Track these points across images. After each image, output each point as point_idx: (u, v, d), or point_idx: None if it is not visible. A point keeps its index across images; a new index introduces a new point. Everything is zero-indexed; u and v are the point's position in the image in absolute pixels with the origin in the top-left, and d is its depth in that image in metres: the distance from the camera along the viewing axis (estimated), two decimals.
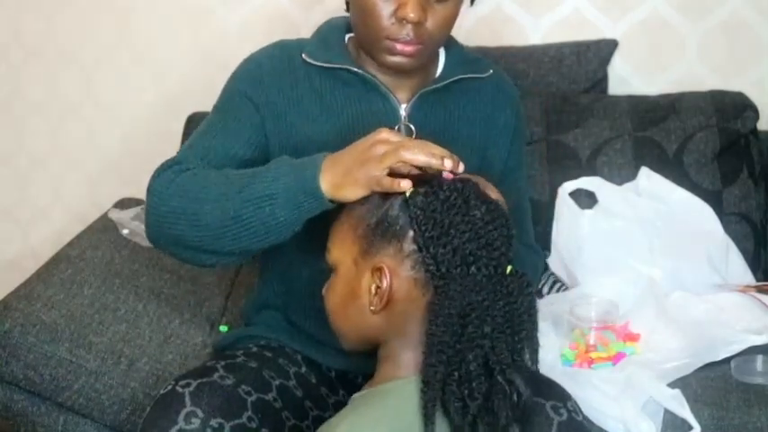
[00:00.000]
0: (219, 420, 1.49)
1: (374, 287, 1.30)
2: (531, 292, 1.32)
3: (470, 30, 2.51)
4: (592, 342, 1.88)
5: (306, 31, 2.54)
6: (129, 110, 2.68)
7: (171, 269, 2.21)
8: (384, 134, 1.39)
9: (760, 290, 2.05)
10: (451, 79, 1.70)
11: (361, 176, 1.35)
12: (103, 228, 2.37)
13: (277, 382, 1.61)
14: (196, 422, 1.48)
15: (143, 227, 2.34)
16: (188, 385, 1.52)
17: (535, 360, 1.32)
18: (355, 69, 1.65)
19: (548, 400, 1.49)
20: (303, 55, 1.67)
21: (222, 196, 1.49)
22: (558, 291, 2.13)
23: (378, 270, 1.29)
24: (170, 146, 2.58)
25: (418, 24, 1.56)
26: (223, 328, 2.09)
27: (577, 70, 2.44)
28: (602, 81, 2.49)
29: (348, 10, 1.67)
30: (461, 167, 1.34)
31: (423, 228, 1.28)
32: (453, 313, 1.25)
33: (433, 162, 1.33)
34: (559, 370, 1.82)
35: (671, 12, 2.51)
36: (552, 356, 1.86)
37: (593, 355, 1.86)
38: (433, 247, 1.28)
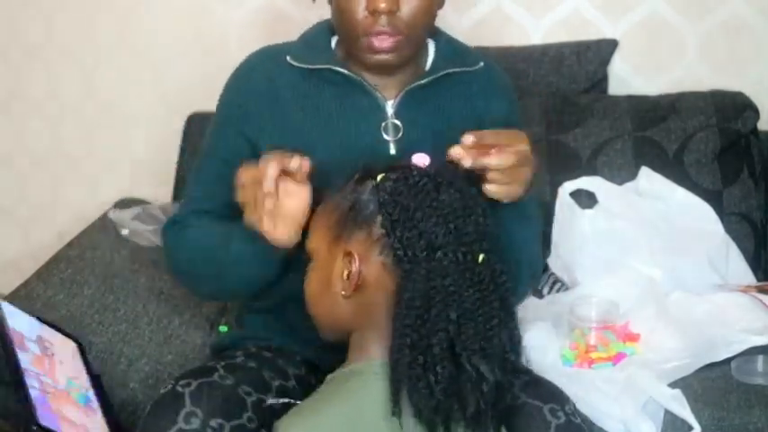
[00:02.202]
0: (219, 421, 1.49)
1: (345, 273, 1.33)
2: (505, 281, 1.33)
3: (470, 30, 2.50)
4: (592, 342, 1.88)
5: None
6: (129, 110, 2.68)
7: None
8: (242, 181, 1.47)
9: (760, 290, 2.05)
10: (439, 74, 1.67)
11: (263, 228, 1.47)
12: (103, 228, 2.37)
13: (276, 383, 1.61)
14: (196, 422, 1.48)
15: (143, 227, 2.36)
16: (188, 385, 1.51)
17: (517, 353, 1.33)
18: (338, 69, 1.64)
19: (545, 402, 1.49)
20: (288, 58, 1.67)
21: (208, 262, 1.63)
22: (558, 291, 2.13)
23: (348, 255, 1.33)
24: (170, 146, 2.59)
25: (391, 14, 1.55)
26: (223, 329, 2.08)
27: (577, 70, 2.44)
28: (602, 81, 2.49)
29: None
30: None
31: (389, 211, 1.31)
32: (416, 296, 1.27)
33: (286, 163, 1.44)
34: (560, 370, 1.82)
35: (671, 12, 2.50)
36: (552, 357, 1.86)
37: (594, 355, 1.85)
38: (400, 230, 1.30)
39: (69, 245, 2.30)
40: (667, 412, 1.76)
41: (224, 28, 2.62)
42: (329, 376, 1.37)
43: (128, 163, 2.70)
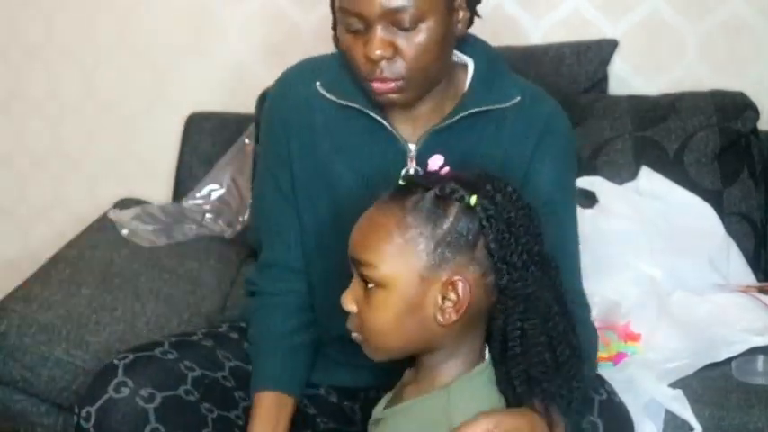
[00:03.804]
0: (150, 390, 1.53)
1: (440, 298, 1.30)
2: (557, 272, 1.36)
3: (470, 30, 2.50)
4: None
5: (306, 31, 2.56)
6: (129, 110, 2.68)
7: (170, 269, 2.21)
8: None
9: (761, 290, 2.05)
10: (465, 113, 1.54)
11: None
12: (103, 228, 2.37)
13: (232, 364, 1.63)
14: (126, 391, 1.52)
15: (143, 227, 2.36)
16: (125, 358, 1.56)
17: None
18: (362, 108, 1.56)
19: None
20: (318, 85, 1.59)
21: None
22: None
23: (451, 283, 1.29)
24: (170, 146, 2.59)
25: (389, 60, 1.46)
26: None
27: (577, 70, 2.44)
28: (602, 81, 2.48)
29: None
30: None
31: (496, 232, 1.28)
32: (519, 310, 1.30)
33: None
34: None
35: (671, 12, 2.50)
36: None
37: None
38: (504, 249, 1.29)
39: (68, 245, 2.30)
40: (668, 412, 1.76)
41: (224, 28, 2.62)
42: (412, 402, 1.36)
43: (128, 163, 2.70)
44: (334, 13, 1.52)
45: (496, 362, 1.33)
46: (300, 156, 1.61)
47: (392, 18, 1.43)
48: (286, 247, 1.64)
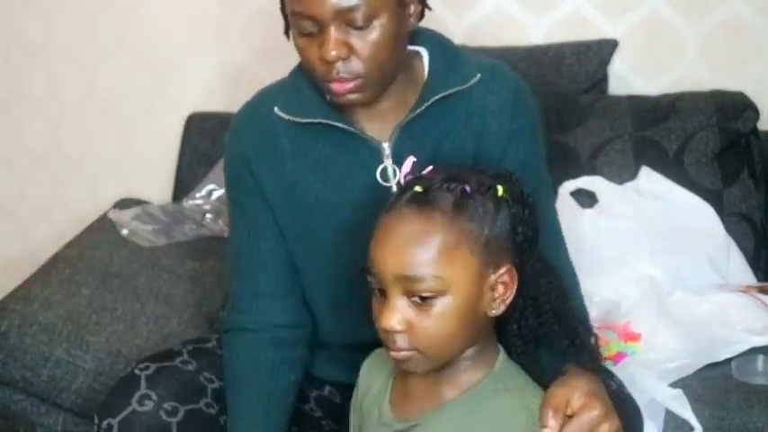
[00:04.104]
0: (174, 404, 1.52)
1: (493, 291, 1.32)
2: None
3: (470, 29, 2.50)
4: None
5: None
6: (129, 110, 2.68)
7: (170, 269, 2.21)
8: None
9: (761, 290, 2.05)
10: (430, 102, 1.53)
11: None
12: (103, 228, 2.37)
13: None
14: (149, 404, 1.51)
15: (143, 227, 2.36)
16: (146, 368, 1.55)
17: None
18: (325, 121, 1.53)
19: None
20: (276, 109, 1.56)
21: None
22: None
23: (509, 272, 1.32)
24: (170, 146, 2.59)
25: (345, 60, 1.44)
26: None
27: (577, 70, 2.44)
28: (602, 81, 2.49)
29: None
30: None
31: (523, 218, 1.33)
32: (537, 286, 1.36)
33: None
34: None
35: (671, 12, 2.50)
36: None
37: None
38: (528, 233, 1.33)
39: (68, 245, 2.30)
40: (668, 412, 1.76)
41: (224, 28, 2.62)
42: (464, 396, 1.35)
43: (128, 163, 2.70)
44: (285, 17, 1.50)
45: (515, 351, 1.37)
46: (275, 187, 1.58)
47: (345, 18, 1.42)
48: (267, 278, 1.61)
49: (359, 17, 1.42)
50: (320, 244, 1.59)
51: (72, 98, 2.69)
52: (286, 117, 1.55)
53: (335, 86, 1.46)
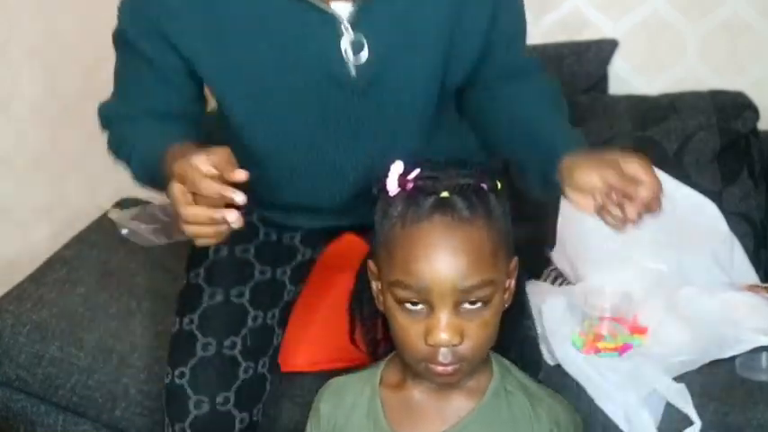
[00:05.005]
0: (225, 395, 1.64)
1: (507, 286, 1.33)
2: None
3: None
4: (602, 332, 1.89)
5: None
6: None
7: (168, 268, 2.20)
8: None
9: None
10: None
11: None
12: (102, 228, 2.37)
13: (252, 282, 1.74)
14: (205, 407, 1.63)
15: (143, 227, 2.36)
16: (183, 375, 1.64)
17: None
18: None
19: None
20: None
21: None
22: (560, 286, 2.11)
23: (515, 263, 1.34)
24: None
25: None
26: None
27: (577, 70, 2.44)
28: (602, 81, 2.49)
29: None
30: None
31: (511, 211, 1.34)
32: None
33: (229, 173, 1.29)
34: (572, 352, 1.86)
35: (671, 12, 2.50)
36: (563, 336, 1.88)
37: (600, 344, 1.87)
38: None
39: (67, 245, 2.30)
40: (668, 406, 1.76)
41: None
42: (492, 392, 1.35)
43: None
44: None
45: None
46: (205, 47, 1.49)
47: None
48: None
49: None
50: (274, 107, 1.55)
51: (72, 98, 2.69)
52: None
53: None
